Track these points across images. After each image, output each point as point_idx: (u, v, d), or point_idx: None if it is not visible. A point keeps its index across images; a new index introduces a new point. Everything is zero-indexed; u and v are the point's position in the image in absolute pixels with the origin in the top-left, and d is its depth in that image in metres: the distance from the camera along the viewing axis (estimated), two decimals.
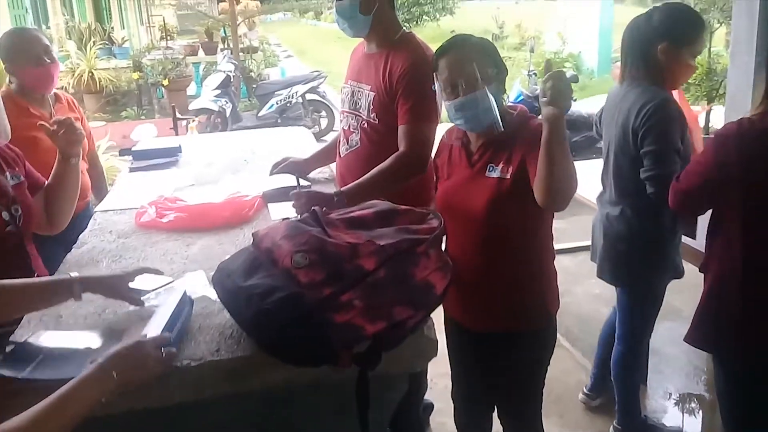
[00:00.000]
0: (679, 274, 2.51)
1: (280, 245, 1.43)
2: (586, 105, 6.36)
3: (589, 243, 4.80)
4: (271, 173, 2.65)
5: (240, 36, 11.98)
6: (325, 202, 2.08)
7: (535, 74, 6.38)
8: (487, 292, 1.97)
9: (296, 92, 9.01)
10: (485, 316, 2.01)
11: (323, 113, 9.37)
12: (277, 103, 9.03)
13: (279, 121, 9.03)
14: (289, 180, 2.54)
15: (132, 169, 3.03)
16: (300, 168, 2.67)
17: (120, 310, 1.63)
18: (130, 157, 3.19)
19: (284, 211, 2.25)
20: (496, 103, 1.83)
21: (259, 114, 9.16)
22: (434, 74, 1.94)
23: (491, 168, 1.88)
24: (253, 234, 1.55)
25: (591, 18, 12.64)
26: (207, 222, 2.22)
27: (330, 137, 9.15)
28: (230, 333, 1.48)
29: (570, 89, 1.56)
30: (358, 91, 2.43)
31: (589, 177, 3.44)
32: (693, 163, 2.06)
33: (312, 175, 2.76)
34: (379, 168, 2.25)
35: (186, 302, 1.52)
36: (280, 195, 2.40)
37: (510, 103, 1.98)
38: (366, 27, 2.34)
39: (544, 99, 1.56)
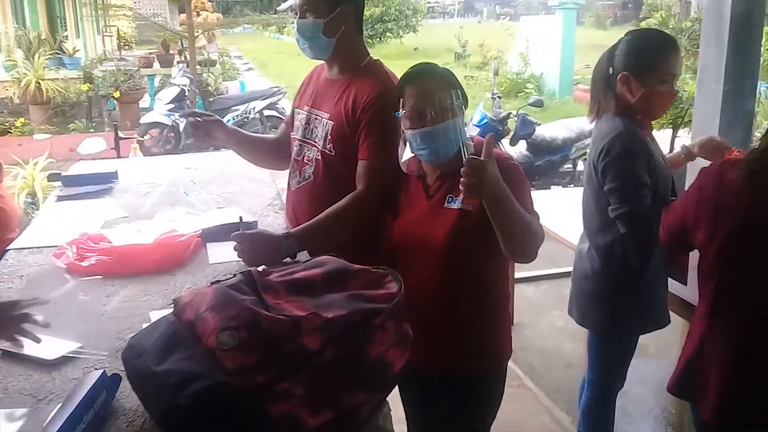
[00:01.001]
0: (660, 324, 2.34)
1: (205, 318, 1.17)
2: (548, 129, 6.22)
3: (552, 271, 4.71)
4: (182, 115, 2.39)
5: (199, 48, 11.64)
6: (272, 246, 1.90)
7: (499, 97, 6.24)
8: (439, 331, 1.85)
9: (254, 108, 8.75)
10: (435, 356, 1.87)
11: None
12: (233, 119, 8.72)
13: None
14: (232, 215, 2.27)
15: (60, 198, 2.72)
16: (219, 132, 2.31)
17: (12, 385, 1.34)
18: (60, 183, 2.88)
19: (225, 253, 2.00)
20: (461, 136, 1.74)
21: None
22: (399, 101, 1.84)
23: (450, 199, 1.81)
24: (174, 301, 1.28)
25: (553, 39, 12.66)
26: (135, 267, 1.94)
27: None
28: (141, 424, 1.20)
29: (489, 177, 1.56)
30: (315, 118, 2.19)
31: (550, 204, 3.34)
32: (679, 198, 1.99)
33: (260, 208, 2.50)
34: (334, 209, 2.02)
35: (103, 387, 1.23)
36: (221, 234, 2.13)
37: (469, 135, 1.89)
38: (328, 50, 2.12)
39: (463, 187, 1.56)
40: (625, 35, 2.22)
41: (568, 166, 6.36)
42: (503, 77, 12.58)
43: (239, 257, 1.93)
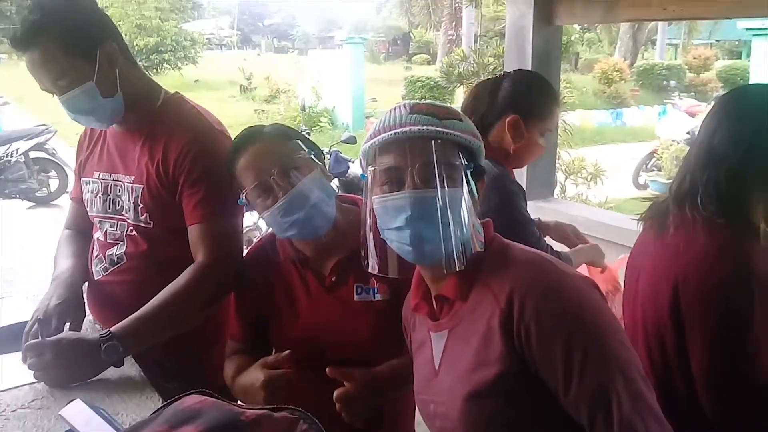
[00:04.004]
0: None
1: None
2: (358, 166, 6.02)
3: None
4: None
5: None
6: (85, 354, 1.41)
7: (308, 133, 5.92)
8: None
9: (17, 150, 7.58)
10: None
11: (53, 173, 7.99)
12: None
13: None
14: (17, 309, 1.66)
15: None
16: (77, 311, 1.64)
17: None
18: None
19: (6, 374, 1.43)
20: (328, 192, 1.46)
21: None
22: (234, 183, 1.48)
23: (360, 289, 1.46)
24: None
25: (342, 73, 12.75)
26: None
27: (63, 201, 7.58)
28: None
29: (369, 401, 1.31)
30: (114, 185, 1.68)
31: None
32: None
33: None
34: (169, 291, 1.53)
35: None
36: (10, 340, 1.53)
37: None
38: (120, 109, 1.60)
39: None
40: (511, 73, 1.98)
41: None
42: (295, 110, 12.38)
43: (36, 377, 1.40)
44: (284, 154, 1.43)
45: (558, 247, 2.07)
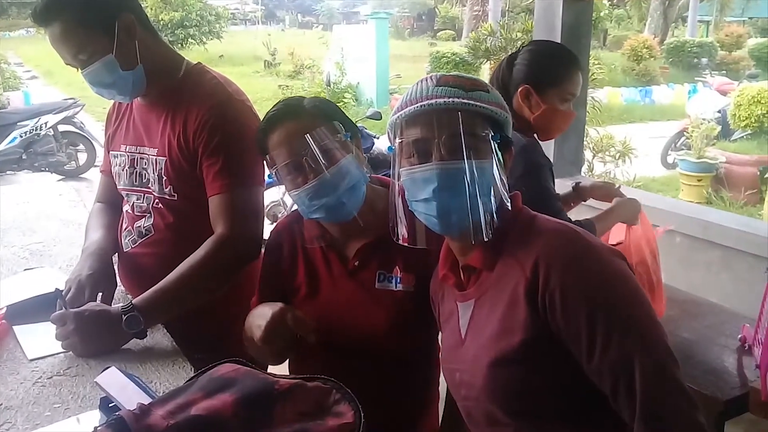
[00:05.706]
0: None
1: None
2: (383, 142, 6.00)
3: None
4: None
5: None
6: (107, 325, 1.43)
7: None
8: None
9: (45, 123, 7.64)
10: None
11: (81, 146, 8.06)
12: (20, 136, 7.57)
13: (24, 157, 7.59)
14: (46, 279, 1.68)
15: None
16: (108, 281, 1.66)
17: None
18: None
19: (43, 342, 1.44)
20: (361, 177, 1.41)
21: None
22: (265, 158, 1.45)
23: (383, 276, 1.43)
24: None
25: (367, 49, 12.66)
26: None
27: (91, 174, 7.57)
28: None
29: None
30: (140, 158, 1.68)
31: None
32: None
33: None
34: (189, 262, 1.54)
35: None
36: (34, 311, 1.55)
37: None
38: (141, 81, 1.59)
39: None
40: (527, 45, 2.01)
41: None
42: (319, 86, 12.33)
43: (64, 348, 1.43)
44: (320, 135, 1.37)
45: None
